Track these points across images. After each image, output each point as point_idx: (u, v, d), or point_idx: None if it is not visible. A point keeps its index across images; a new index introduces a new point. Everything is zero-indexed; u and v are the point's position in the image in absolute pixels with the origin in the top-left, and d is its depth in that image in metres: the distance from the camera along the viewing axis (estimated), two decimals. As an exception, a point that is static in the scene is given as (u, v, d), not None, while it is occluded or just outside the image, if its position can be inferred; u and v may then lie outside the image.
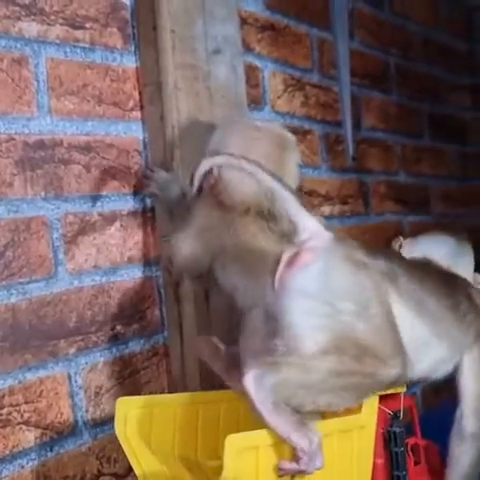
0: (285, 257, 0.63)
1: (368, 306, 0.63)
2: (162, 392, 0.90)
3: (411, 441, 0.80)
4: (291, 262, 0.62)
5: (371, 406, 0.71)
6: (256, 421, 0.62)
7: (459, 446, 0.75)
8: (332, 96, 1.30)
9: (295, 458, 0.61)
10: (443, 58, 1.74)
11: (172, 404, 0.76)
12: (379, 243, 1.42)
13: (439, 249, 0.86)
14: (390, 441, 0.75)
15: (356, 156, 1.33)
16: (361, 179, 1.38)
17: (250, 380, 0.60)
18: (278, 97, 1.17)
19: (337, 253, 0.62)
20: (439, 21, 1.74)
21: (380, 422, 0.75)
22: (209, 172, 0.77)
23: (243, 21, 1.07)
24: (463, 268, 0.85)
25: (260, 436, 0.61)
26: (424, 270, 0.74)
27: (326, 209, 1.26)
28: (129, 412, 0.73)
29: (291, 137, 0.79)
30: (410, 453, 0.79)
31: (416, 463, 0.80)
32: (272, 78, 1.16)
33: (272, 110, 1.15)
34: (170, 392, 0.90)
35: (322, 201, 1.26)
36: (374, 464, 0.74)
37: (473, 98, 1.84)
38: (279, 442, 0.62)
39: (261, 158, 0.76)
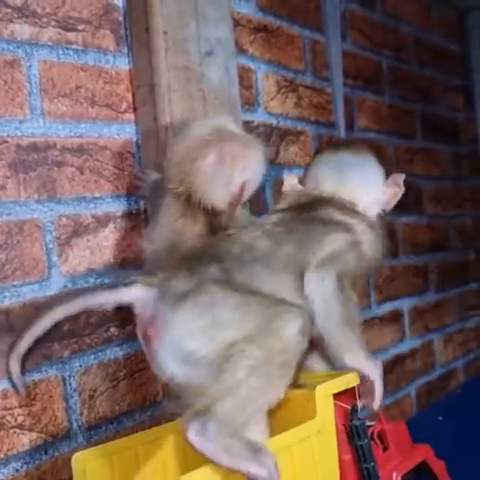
0: (140, 337, 0.67)
1: (215, 319, 0.63)
2: (157, 394, 0.90)
3: (376, 428, 0.78)
4: (147, 340, 0.66)
5: (325, 408, 0.70)
6: None
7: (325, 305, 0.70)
8: (325, 97, 1.31)
9: None
10: (435, 59, 1.75)
11: (132, 446, 0.72)
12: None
13: (326, 169, 0.79)
14: (353, 435, 0.73)
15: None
16: (354, 180, 1.38)
17: (193, 437, 0.59)
18: (271, 98, 1.17)
19: (171, 307, 0.64)
20: (431, 22, 1.75)
21: (340, 419, 0.74)
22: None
23: (236, 23, 1.07)
24: (361, 180, 0.79)
25: (214, 472, 0.59)
26: (258, 242, 0.70)
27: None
28: (87, 466, 0.68)
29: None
30: (377, 441, 0.77)
31: (385, 449, 0.78)
32: (265, 79, 1.16)
33: (265, 111, 1.16)
34: (165, 394, 0.90)
35: (316, 202, 1.26)
36: (342, 461, 0.72)
37: (465, 99, 1.85)
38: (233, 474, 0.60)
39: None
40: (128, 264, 0.88)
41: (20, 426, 0.75)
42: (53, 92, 0.82)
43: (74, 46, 0.84)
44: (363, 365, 0.71)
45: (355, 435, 0.73)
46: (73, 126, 0.83)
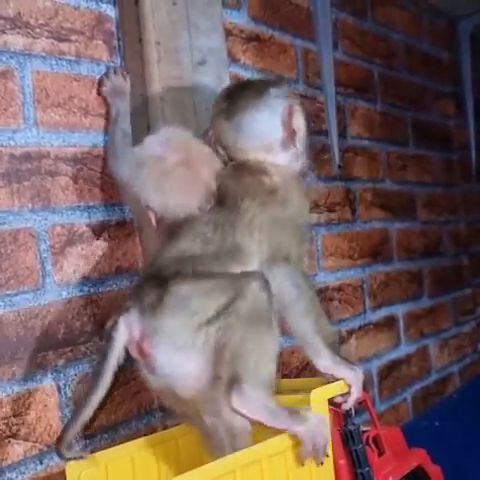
0: (136, 356, 0.71)
1: (191, 310, 0.70)
2: (152, 402, 0.90)
3: (372, 433, 0.78)
4: (143, 355, 0.70)
5: (320, 412, 0.70)
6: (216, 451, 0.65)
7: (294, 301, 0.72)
8: (317, 105, 1.32)
9: (302, 445, 0.68)
10: (426, 67, 1.76)
11: (127, 454, 0.73)
12: (366, 250, 1.43)
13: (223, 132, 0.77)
14: (348, 440, 0.74)
15: (342, 164, 1.34)
16: (347, 187, 1.39)
17: (236, 401, 0.65)
18: (264, 107, 1.18)
19: (152, 317, 0.69)
20: (422, 30, 1.76)
21: (335, 424, 0.74)
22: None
23: (228, 32, 1.08)
24: (258, 133, 0.76)
25: (207, 471, 0.61)
26: (195, 248, 0.73)
27: (313, 217, 1.27)
28: (81, 474, 0.68)
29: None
30: (372, 445, 0.77)
31: (381, 454, 0.78)
32: (257, 88, 1.17)
33: (258, 120, 1.16)
34: (159, 402, 0.90)
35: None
36: (337, 466, 0.73)
37: (456, 106, 1.87)
38: (225, 473, 0.62)
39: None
40: (122, 273, 0.89)
41: (15, 436, 0.75)
42: (46, 102, 0.82)
43: (67, 56, 0.85)
44: (337, 369, 0.73)
45: (350, 440, 0.74)
46: (67, 136, 0.84)
